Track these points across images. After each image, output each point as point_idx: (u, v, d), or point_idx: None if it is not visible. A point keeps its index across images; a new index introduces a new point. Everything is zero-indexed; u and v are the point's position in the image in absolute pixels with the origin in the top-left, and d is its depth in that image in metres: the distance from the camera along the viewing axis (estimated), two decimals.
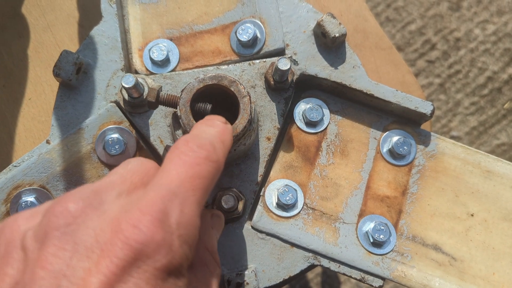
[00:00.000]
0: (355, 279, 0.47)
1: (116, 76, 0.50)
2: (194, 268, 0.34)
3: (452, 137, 1.50)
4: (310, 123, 0.52)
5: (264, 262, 0.47)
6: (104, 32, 0.51)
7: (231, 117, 0.44)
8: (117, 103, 0.50)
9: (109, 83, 0.50)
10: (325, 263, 0.47)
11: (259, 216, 0.48)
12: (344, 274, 0.47)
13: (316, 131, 0.52)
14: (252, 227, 0.48)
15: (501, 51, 1.55)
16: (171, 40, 0.53)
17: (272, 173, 0.50)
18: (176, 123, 0.46)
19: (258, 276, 0.47)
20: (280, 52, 0.51)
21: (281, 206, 0.48)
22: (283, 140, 0.52)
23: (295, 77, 0.51)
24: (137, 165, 0.35)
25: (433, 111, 0.51)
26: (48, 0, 0.63)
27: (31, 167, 0.47)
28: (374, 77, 0.60)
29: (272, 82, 0.49)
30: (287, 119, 0.52)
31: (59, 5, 0.63)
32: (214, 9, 0.54)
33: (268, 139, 0.50)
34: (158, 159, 0.50)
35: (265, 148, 0.49)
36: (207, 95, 0.45)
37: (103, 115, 0.49)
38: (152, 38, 0.53)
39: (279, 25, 0.51)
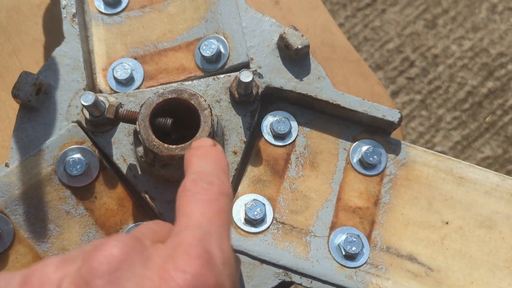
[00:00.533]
0: None
1: (78, 96, 0.49)
2: None
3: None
4: (278, 136, 0.51)
5: None
6: (66, 53, 0.51)
7: (194, 134, 0.43)
8: (79, 123, 0.49)
9: (70, 103, 0.49)
10: (297, 279, 0.46)
11: None
12: None
13: (285, 143, 0.51)
14: None
15: (478, 66, 1.57)
16: (135, 58, 0.53)
17: (240, 188, 0.49)
18: (137, 140, 0.45)
19: None
20: (244, 66, 0.51)
21: (249, 221, 0.47)
22: (251, 154, 0.51)
23: (260, 90, 0.50)
24: (157, 222, 0.36)
25: (400, 119, 0.50)
26: (13, 24, 0.63)
27: None
28: (343, 89, 0.60)
29: (237, 96, 0.48)
30: (254, 133, 0.52)
31: (25, 29, 0.63)
32: (178, 26, 0.54)
33: (235, 153, 0.49)
34: (122, 178, 0.49)
35: (231, 162, 0.48)
36: (169, 111, 0.44)
37: (64, 136, 0.48)
38: (116, 57, 0.53)
39: (242, 39, 0.51)
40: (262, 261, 0.46)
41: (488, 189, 0.51)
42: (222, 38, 0.51)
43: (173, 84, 0.50)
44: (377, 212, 0.50)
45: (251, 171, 0.50)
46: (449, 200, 0.51)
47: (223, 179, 0.34)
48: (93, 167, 0.48)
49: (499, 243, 0.50)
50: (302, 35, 0.50)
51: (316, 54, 0.59)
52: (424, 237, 0.49)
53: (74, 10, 0.52)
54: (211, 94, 0.50)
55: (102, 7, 0.54)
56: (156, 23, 0.54)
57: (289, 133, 0.51)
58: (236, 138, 0.49)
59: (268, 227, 0.47)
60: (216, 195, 0.33)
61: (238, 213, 0.48)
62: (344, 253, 0.46)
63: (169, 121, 0.43)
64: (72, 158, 0.47)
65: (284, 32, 0.50)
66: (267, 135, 0.51)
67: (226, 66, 0.51)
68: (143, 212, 0.48)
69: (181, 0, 0.55)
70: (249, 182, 0.50)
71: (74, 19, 0.52)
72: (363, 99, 0.51)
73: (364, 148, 0.51)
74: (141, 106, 0.43)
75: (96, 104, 0.44)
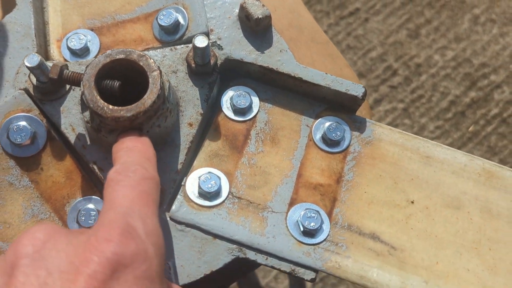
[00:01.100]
0: (285, 272, 0.43)
1: None
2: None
3: None
4: (238, 111, 0.49)
5: (183, 256, 0.42)
6: (17, 20, 0.48)
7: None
8: (26, 90, 0.46)
9: (19, 71, 0.47)
10: (251, 255, 0.43)
11: (178, 206, 0.44)
12: (272, 267, 0.43)
13: (245, 119, 0.49)
14: (170, 218, 0.44)
15: (461, 76, 1.57)
16: (92, 30, 0.51)
17: (195, 162, 0.47)
18: (84, 104, 0.42)
19: (176, 272, 0.42)
20: None
21: (203, 195, 0.45)
22: (210, 129, 0.49)
23: (219, 61, 0.48)
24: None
25: (364, 94, 0.48)
26: None
27: None
28: None
29: (193, 65, 0.47)
30: (214, 108, 0.49)
31: None
32: None
33: (190, 125, 0.46)
34: (72, 151, 0.46)
35: (186, 134, 0.46)
36: (119, 77, 0.42)
37: (9, 103, 0.45)
38: (72, 28, 0.51)
39: (202, 10, 0.50)
40: (215, 235, 0.43)
41: (456, 169, 0.49)
42: (181, 8, 0.50)
43: None
44: (339, 190, 0.47)
45: (208, 146, 0.48)
46: (415, 179, 0.49)
47: (147, 167, 0.37)
48: (39, 137, 0.45)
49: (466, 224, 0.47)
50: (263, 5, 0.48)
51: (283, 35, 0.57)
52: (388, 216, 0.47)
53: None
54: (167, 64, 0.48)
55: None
56: None
57: (249, 108, 0.49)
58: (193, 110, 0.47)
59: (223, 201, 0.45)
60: (139, 180, 0.35)
61: (192, 186, 0.45)
62: (302, 229, 0.44)
63: (117, 83, 0.41)
64: (16, 125, 0.44)
65: (245, 2, 0.48)
66: (227, 110, 0.49)
67: (185, 37, 0.49)
68: (92, 186, 0.46)
69: None
70: (206, 157, 0.47)
71: None
72: (325, 73, 0.49)
73: (327, 124, 0.49)
74: (86, 67, 0.40)
75: (41, 67, 0.42)
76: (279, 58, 0.49)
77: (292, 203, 0.46)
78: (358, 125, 0.50)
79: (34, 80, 0.45)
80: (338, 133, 0.48)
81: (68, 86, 0.46)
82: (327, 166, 0.48)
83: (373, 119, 0.53)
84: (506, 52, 1.60)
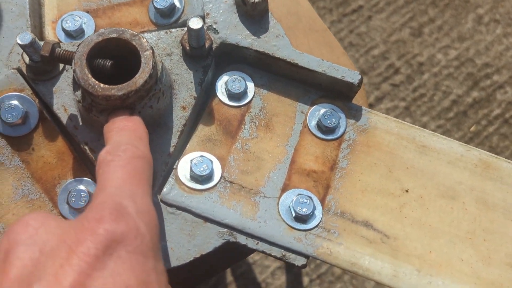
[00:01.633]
0: (275, 257, 0.42)
1: None
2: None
3: None
4: (232, 96, 0.48)
5: (172, 239, 0.42)
6: (12, 0, 0.48)
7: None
8: (19, 70, 0.46)
9: (12, 50, 0.46)
10: (242, 239, 0.42)
11: (170, 189, 0.44)
12: (263, 252, 0.42)
13: (240, 104, 0.49)
14: (161, 201, 0.43)
15: (464, 75, 1.56)
16: (87, 12, 0.51)
17: (188, 146, 0.46)
18: (75, 83, 0.42)
19: (168, 254, 0.41)
20: None
21: (194, 178, 0.44)
22: (204, 113, 0.48)
23: (214, 45, 0.48)
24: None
25: (360, 81, 0.48)
26: None
27: None
28: None
29: (188, 48, 0.46)
30: (209, 93, 0.49)
31: None
32: None
33: (184, 108, 0.46)
34: (64, 133, 0.46)
35: (179, 117, 0.46)
36: (111, 56, 0.42)
37: (1, 82, 0.45)
38: (67, 10, 0.51)
39: None
40: (206, 219, 0.43)
41: (452, 159, 0.49)
42: None
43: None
44: (333, 177, 0.47)
45: (202, 130, 0.47)
46: (410, 168, 0.48)
47: (138, 145, 0.36)
48: (31, 116, 0.45)
49: (461, 214, 0.47)
50: None
51: (281, 23, 0.57)
52: (382, 204, 0.46)
53: None
54: (162, 47, 0.47)
55: None
56: None
57: (244, 93, 0.49)
58: (186, 93, 0.46)
59: (215, 185, 0.44)
60: (130, 159, 0.35)
61: (183, 169, 0.45)
62: (294, 214, 0.43)
63: (109, 62, 0.40)
64: (8, 104, 0.44)
65: None
66: (221, 95, 0.49)
67: (180, 21, 0.49)
68: (83, 168, 0.45)
69: None
70: (199, 141, 0.47)
71: None
72: (322, 59, 0.48)
73: (322, 111, 0.48)
74: (79, 45, 0.40)
75: (34, 45, 0.42)
76: (275, 43, 0.49)
77: (284, 189, 0.45)
78: (354, 113, 0.50)
79: (27, 59, 0.44)
80: (333, 120, 0.48)
81: (61, 67, 0.46)
82: (321, 153, 0.48)
83: None
84: (510, 53, 1.59)
